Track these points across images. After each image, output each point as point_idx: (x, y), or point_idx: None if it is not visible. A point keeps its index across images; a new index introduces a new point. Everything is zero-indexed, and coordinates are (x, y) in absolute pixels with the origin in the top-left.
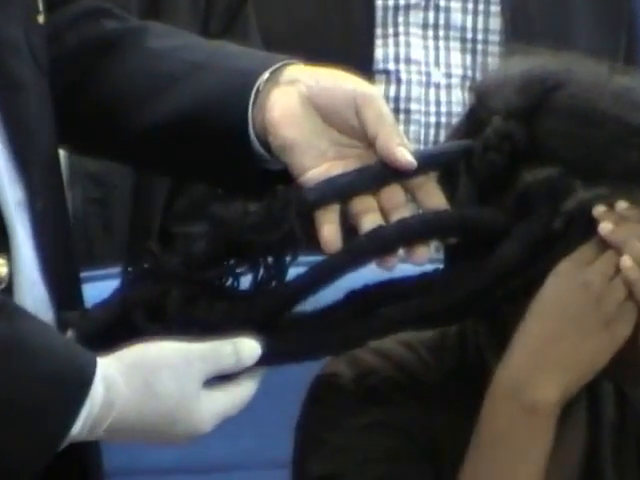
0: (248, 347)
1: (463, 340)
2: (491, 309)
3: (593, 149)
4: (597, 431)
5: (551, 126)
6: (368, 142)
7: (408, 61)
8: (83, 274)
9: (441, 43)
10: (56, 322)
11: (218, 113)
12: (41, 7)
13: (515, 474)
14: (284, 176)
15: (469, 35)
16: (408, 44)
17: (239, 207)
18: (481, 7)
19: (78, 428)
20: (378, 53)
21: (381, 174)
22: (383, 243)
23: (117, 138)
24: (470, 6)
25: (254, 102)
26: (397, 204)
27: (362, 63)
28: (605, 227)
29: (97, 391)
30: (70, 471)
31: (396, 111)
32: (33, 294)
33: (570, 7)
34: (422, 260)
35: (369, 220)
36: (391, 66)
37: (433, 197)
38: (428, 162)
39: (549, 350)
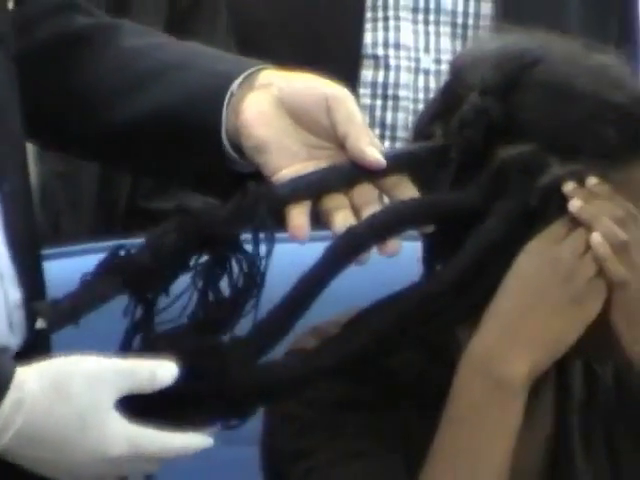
0: (165, 368)
1: None
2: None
3: (569, 125)
4: (565, 409)
5: (527, 102)
6: (339, 143)
7: (397, 46)
8: (49, 251)
9: (431, 28)
10: (25, 310)
11: (191, 114)
12: None
13: (484, 448)
14: (255, 179)
15: (460, 20)
16: (398, 28)
17: (210, 201)
18: None
19: None
20: (367, 37)
21: (352, 172)
22: (357, 241)
23: (84, 136)
24: None
25: (227, 105)
26: (368, 200)
27: (350, 47)
28: (574, 204)
29: (8, 390)
30: None
31: (384, 97)
32: (1, 272)
33: None
34: (394, 253)
35: (340, 217)
36: (380, 51)
37: (407, 195)
38: (398, 161)
39: (519, 326)
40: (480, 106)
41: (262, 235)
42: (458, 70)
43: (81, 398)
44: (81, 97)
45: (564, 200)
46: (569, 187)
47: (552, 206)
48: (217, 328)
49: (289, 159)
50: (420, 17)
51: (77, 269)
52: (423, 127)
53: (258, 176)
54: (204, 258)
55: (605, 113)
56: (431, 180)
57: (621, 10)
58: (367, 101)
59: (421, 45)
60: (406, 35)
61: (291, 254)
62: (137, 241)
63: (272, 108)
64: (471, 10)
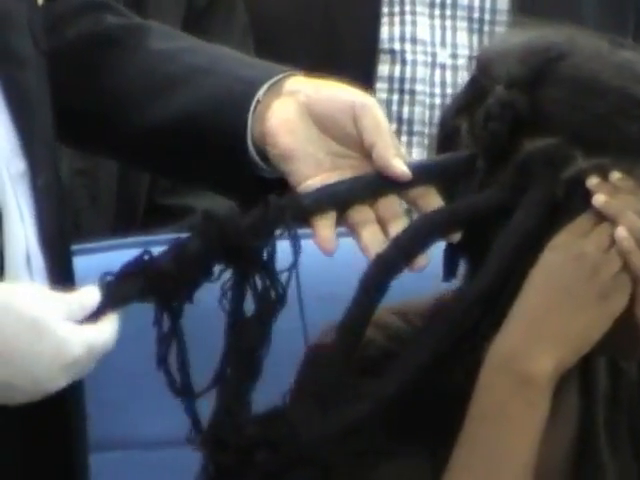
0: (88, 292)
1: None
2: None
3: (594, 119)
4: (590, 407)
5: (553, 95)
6: (365, 152)
7: (414, 41)
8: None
9: (448, 22)
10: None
11: (217, 120)
12: None
13: (509, 446)
14: (279, 185)
15: (476, 15)
16: (414, 23)
17: (235, 207)
18: None
19: None
20: (384, 32)
21: (377, 183)
22: (388, 267)
23: (113, 137)
24: None
25: (253, 112)
26: (394, 214)
27: (367, 42)
28: (599, 198)
29: None
30: (54, 446)
31: (401, 92)
32: (31, 266)
33: None
34: (423, 268)
35: (369, 234)
36: (396, 46)
37: (433, 206)
38: (425, 172)
39: (544, 322)
40: (506, 99)
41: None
42: (484, 64)
43: (31, 310)
44: (110, 97)
45: (588, 194)
46: (593, 182)
47: (576, 199)
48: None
49: (314, 168)
50: (437, 12)
51: (97, 266)
52: (448, 121)
53: (283, 182)
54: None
55: (629, 108)
56: (454, 190)
57: (638, 4)
58: (384, 96)
59: (437, 40)
60: (423, 30)
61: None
62: (158, 238)
63: (298, 115)
64: (488, 5)
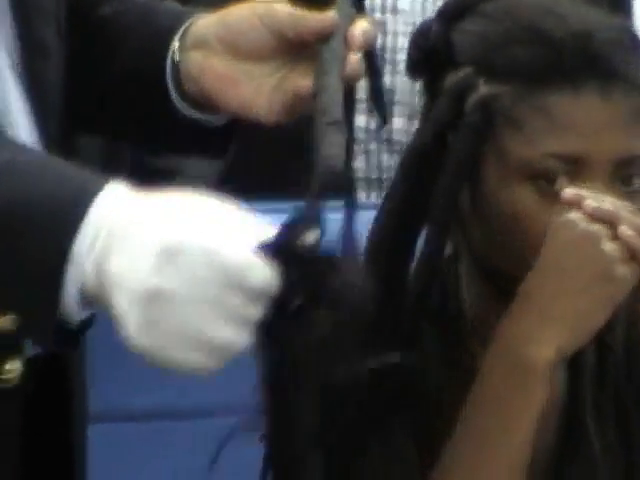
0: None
1: (444, 285)
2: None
3: (491, 46)
4: (578, 384)
5: (464, 27)
6: (284, 47)
7: (395, 11)
8: None
9: None
10: None
11: (145, 80)
12: None
13: (507, 431)
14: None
15: None
16: None
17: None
18: None
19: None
20: (366, 3)
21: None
22: None
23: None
24: None
25: (178, 69)
26: None
27: None
28: (589, 205)
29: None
30: (54, 418)
31: (382, 61)
32: None
33: None
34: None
35: None
36: (378, 15)
37: None
38: None
39: (547, 307)
40: (424, 29)
41: None
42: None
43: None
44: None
45: (490, 118)
46: (570, 193)
47: (475, 120)
48: None
49: (254, 91)
50: None
51: None
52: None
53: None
54: None
55: (520, 34)
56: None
57: None
58: None
59: (418, 9)
60: (403, 0)
61: None
62: None
63: (224, 66)
64: None
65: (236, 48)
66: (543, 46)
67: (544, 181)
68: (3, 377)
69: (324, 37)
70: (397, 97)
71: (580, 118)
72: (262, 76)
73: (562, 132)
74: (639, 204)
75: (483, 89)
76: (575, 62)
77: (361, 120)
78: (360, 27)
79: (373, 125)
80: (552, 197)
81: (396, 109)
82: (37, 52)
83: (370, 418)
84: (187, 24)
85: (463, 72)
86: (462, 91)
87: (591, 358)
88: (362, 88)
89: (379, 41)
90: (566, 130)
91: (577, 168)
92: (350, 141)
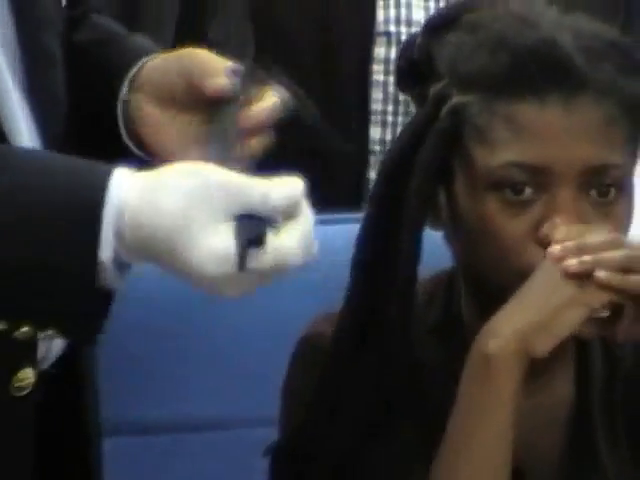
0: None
1: (449, 296)
2: None
3: (464, 56)
4: (586, 387)
5: (445, 39)
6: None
7: (409, 23)
8: None
9: (442, 4)
10: None
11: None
12: None
13: (479, 427)
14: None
15: None
16: (409, 5)
17: None
18: None
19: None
20: (379, 15)
21: None
22: None
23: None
24: None
25: (127, 113)
26: None
27: (363, 25)
28: (570, 265)
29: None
30: (68, 431)
31: None
32: None
33: None
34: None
35: None
36: (392, 28)
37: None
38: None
39: (512, 305)
40: (409, 42)
41: None
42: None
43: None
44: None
45: (458, 126)
46: (555, 250)
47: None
48: None
49: (175, 137)
50: None
51: None
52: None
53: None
54: None
55: (489, 43)
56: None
57: None
58: (380, 77)
59: None
60: (417, 12)
61: None
62: None
63: (156, 111)
64: None
65: (159, 93)
66: (509, 55)
67: (510, 190)
68: (16, 385)
69: (219, 100)
70: (412, 108)
71: (543, 128)
72: (183, 123)
73: (525, 142)
74: (617, 213)
75: (455, 99)
76: (540, 71)
77: (376, 132)
78: (266, 104)
79: (388, 137)
80: (518, 206)
81: None
82: (45, 61)
83: (373, 421)
84: (141, 64)
85: (442, 83)
86: (439, 101)
87: (600, 369)
88: (375, 100)
89: (394, 52)
90: (529, 140)
91: (543, 178)
92: (366, 153)
